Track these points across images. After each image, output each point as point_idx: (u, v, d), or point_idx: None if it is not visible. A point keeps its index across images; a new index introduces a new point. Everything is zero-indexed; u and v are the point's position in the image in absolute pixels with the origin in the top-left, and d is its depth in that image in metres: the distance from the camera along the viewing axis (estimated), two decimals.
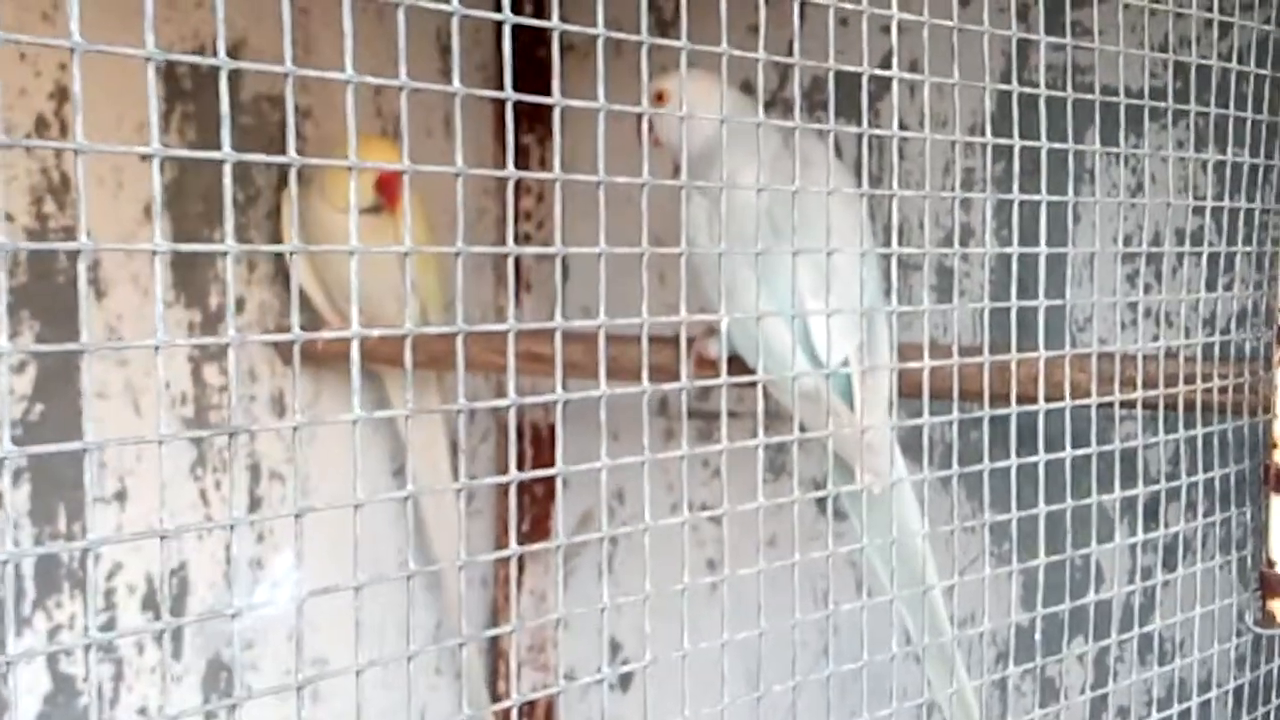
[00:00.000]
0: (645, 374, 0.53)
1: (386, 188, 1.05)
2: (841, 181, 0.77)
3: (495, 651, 1.38)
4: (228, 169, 0.36)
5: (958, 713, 0.87)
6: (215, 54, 0.36)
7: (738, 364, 0.88)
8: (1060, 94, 0.69)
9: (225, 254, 0.39)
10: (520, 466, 1.36)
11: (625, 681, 1.33)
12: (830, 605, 0.62)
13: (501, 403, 0.47)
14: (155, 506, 1.07)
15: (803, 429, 0.62)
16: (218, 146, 0.38)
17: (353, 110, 0.39)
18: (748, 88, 1.01)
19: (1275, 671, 0.87)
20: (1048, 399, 0.70)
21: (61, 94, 1.06)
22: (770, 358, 0.82)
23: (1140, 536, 0.78)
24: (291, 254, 0.41)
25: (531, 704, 1.38)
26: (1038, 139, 0.68)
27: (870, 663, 0.63)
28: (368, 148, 1.01)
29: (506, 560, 1.38)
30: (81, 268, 0.34)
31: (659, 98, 0.93)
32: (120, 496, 1.10)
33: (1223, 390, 0.81)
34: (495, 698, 1.37)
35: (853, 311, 0.74)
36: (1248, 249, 0.85)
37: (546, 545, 0.53)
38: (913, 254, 0.61)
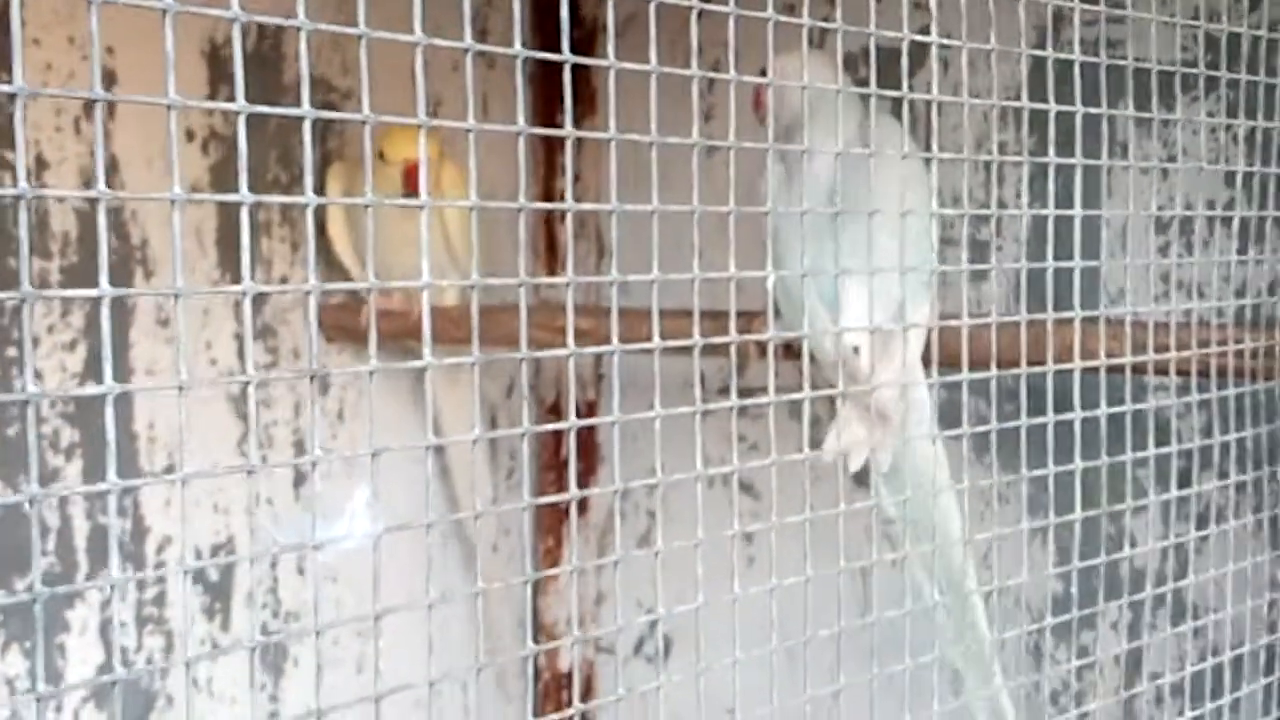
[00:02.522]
0: (656, 331, 0.55)
1: (411, 179, 1.05)
2: (913, 165, 0.78)
3: (538, 626, 1.40)
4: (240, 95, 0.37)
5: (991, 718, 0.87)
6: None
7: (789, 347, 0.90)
8: (1094, 60, 0.70)
9: (241, 207, 0.40)
10: (559, 443, 1.38)
11: (668, 650, 1.35)
12: (874, 555, 0.63)
13: (513, 355, 0.49)
14: (205, 480, 1.09)
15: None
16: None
17: (361, 64, 0.40)
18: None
19: None
20: (1081, 369, 0.71)
21: (109, 77, 1.08)
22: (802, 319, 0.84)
23: (1172, 494, 0.79)
24: (310, 208, 0.42)
25: (569, 676, 1.40)
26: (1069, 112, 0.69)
27: (906, 616, 0.64)
28: (398, 137, 1.02)
29: (547, 537, 1.40)
30: (100, 214, 0.35)
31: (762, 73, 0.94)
32: (170, 470, 1.13)
33: (1253, 355, 0.82)
34: (538, 672, 1.39)
35: (885, 288, 0.75)
36: (1278, 215, 0.86)
37: (564, 497, 0.54)
38: (948, 215, 0.63)
